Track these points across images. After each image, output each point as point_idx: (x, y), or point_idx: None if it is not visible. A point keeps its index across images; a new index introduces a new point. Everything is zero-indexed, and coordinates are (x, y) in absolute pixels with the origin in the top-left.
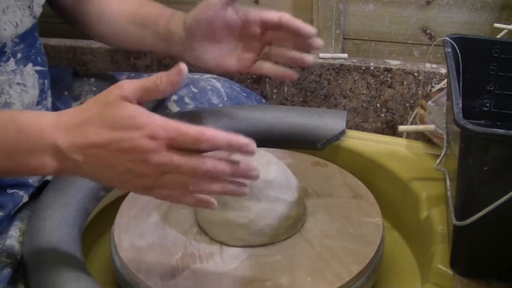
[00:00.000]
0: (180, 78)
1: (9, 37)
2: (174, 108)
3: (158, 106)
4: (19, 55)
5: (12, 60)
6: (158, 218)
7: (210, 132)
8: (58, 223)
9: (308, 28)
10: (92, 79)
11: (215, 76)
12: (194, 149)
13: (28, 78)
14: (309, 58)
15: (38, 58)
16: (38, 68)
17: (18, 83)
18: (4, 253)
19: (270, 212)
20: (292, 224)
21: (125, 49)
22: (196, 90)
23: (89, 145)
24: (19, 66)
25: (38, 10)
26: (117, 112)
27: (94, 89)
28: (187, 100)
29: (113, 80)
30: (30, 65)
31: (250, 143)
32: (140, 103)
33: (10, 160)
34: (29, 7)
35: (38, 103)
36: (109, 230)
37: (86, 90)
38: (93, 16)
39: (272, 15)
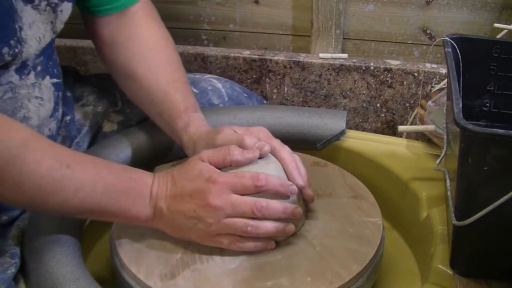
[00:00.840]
0: (255, 155)
1: (33, 53)
2: None
3: None
4: (39, 68)
5: (32, 73)
6: None
7: (264, 175)
8: (58, 223)
9: (296, 178)
10: (94, 80)
11: (216, 76)
12: (251, 186)
13: (45, 91)
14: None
15: (55, 70)
16: (54, 80)
17: (36, 97)
18: (7, 254)
19: None
20: (297, 223)
21: None
22: (196, 91)
23: (169, 196)
24: (38, 79)
25: (59, 27)
26: (190, 166)
27: (96, 89)
28: None
29: (114, 81)
30: (47, 77)
31: (293, 185)
32: (217, 166)
33: (116, 204)
34: (51, 22)
35: (51, 116)
36: (109, 230)
37: (88, 91)
38: (119, 69)
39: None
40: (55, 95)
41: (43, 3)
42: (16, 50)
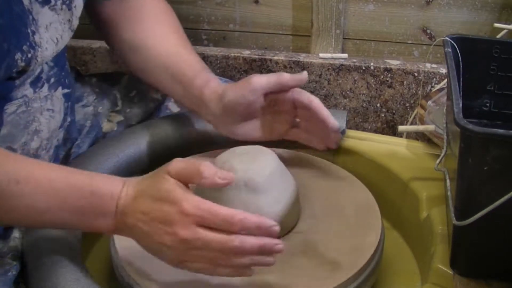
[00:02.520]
0: (226, 183)
1: (50, 56)
2: (175, 109)
3: (160, 106)
4: (52, 79)
5: (46, 85)
6: None
7: (240, 215)
8: None
9: (332, 122)
10: (94, 80)
11: (217, 77)
12: (223, 229)
13: (57, 103)
14: (333, 144)
15: (66, 80)
16: (65, 91)
17: (47, 109)
18: (9, 255)
19: (268, 209)
20: (289, 222)
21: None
22: None
23: (136, 211)
24: (51, 91)
25: (75, 23)
26: (159, 185)
27: (97, 90)
28: None
29: (114, 80)
30: (59, 89)
31: (276, 225)
32: (184, 183)
33: (78, 217)
34: (69, 20)
35: (60, 126)
36: None
37: (88, 91)
38: (125, 43)
39: (304, 97)
40: (65, 106)
41: (59, 2)
42: (29, 55)
